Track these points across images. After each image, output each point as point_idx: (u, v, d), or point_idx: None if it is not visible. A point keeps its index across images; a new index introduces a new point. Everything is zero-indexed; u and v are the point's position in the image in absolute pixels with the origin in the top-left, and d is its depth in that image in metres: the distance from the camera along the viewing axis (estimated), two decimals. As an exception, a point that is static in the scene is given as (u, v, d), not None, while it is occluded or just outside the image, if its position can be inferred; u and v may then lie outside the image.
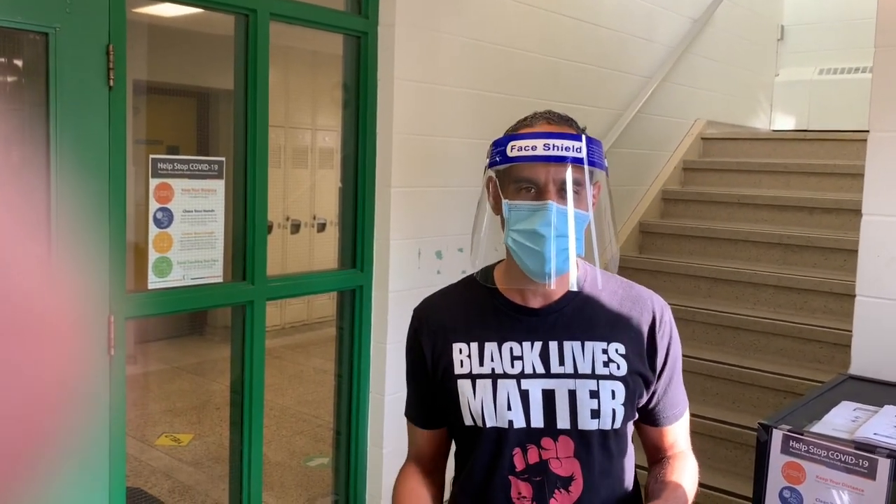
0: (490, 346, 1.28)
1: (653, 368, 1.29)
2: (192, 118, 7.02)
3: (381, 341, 3.01)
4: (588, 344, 1.27)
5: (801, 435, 1.65)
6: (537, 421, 1.25)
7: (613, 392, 1.25)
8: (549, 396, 1.25)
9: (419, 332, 1.37)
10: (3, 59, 2.19)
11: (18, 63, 2.25)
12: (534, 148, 1.18)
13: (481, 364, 1.28)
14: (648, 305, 1.32)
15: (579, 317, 1.29)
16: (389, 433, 3.00)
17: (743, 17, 5.50)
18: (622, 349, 1.27)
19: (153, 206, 2.39)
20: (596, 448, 1.26)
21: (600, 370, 1.25)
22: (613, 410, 1.24)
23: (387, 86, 2.99)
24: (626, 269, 4.21)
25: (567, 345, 1.26)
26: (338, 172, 3.21)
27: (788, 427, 1.69)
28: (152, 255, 2.39)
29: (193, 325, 6.61)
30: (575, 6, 3.84)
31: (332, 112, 6.78)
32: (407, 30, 3.00)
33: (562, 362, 1.26)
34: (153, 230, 2.39)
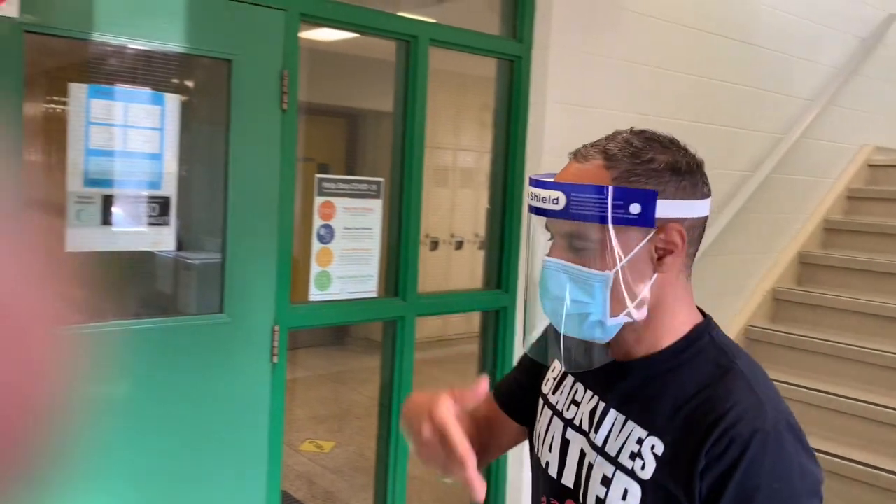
0: (569, 379, 1.15)
1: (689, 493, 0.96)
2: (343, 137, 7.33)
3: (524, 363, 3.00)
4: (629, 424, 1.02)
5: None
6: (568, 479, 1.09)
7: (626, 492, 1.00)
8: (583, 458, 1.08)
9: (548, 329, 1.25)
10: (191, 83, 2.38)
11: (204, 86, 2.43)
12: (531, 196, 1.02)
13: (555, 392, 1.16)
14: (715, 411, 0.95)
15: (642, 388, 1.03)
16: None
17: (919, 35, 5.11)
18: (660, 449, 0.99)
19: (317, 222, 2.51)
20: None
21: (624, 459, 1.01)
22: None
23: (539, 108, 3.00)
24: (784, 303, 4.00)
25: (611, 413, 1.05)
26: (478, 192, 3.25)
27: None
28: (314, 269, 2.50)
29: (336, 335, 6.87)
30: (733, 26, 3.71)
31: (475, 132, 6.88)
32: (561, 53, 3.00)
33: (597, 429, 1.06)
34: (316, 245, 2.51)
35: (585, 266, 0.98)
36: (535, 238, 1.07)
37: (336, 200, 2.54)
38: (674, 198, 0.97)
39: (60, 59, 2.28)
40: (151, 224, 2.16)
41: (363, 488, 3.71)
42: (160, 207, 2.17)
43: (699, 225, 1.02)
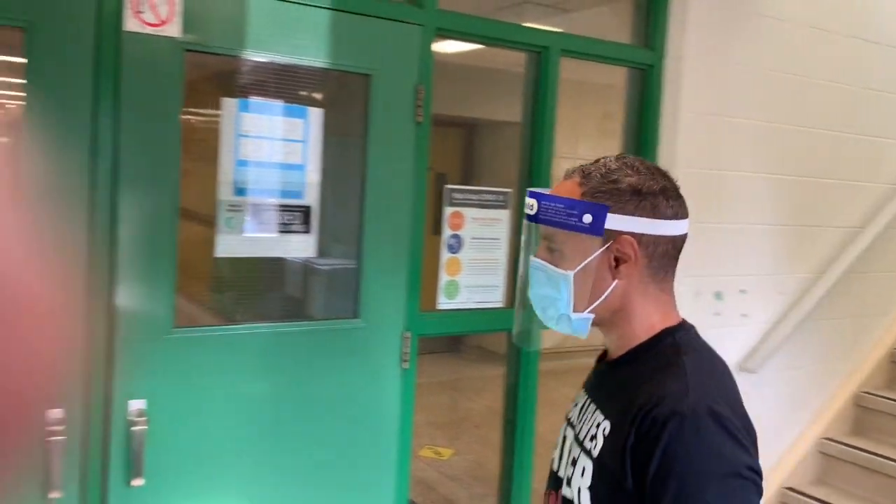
0: (582, 389, 1.31)
1: (622, 468, 1.06)
2: (459, 147, 7.42)
3: (651, 379, 2.92)
4: (597, 412, 1.17)
5: None
6: (562, 469, 1.22)
7: (584, 469, 1.13)
8: (570, 448, 1.21)
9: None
10: (332, 96, 2.47)
11: (343, 100, 2.52)
12: (525, 203, 1.23)
13: (574, 404, 1.30)
14: (646, 396, 1.06)
15: (612, 381, 1.19)
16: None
17: None
18: (608, 429, 1.11)
19: (446, 232, 2.55)
20: None
21: (586, 442, 1.15)
22: (579, 489, 1.13)
23: (671, 118, 2.92)
24: (868, 412, 3.66)
25: (590, 405, 1.20)
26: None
27: None
28: (443, 278, 2.54)
29: (449, 342, 6.94)
30: (880, 30, 3.49)
31: (594, 141, 6.79)
32: (695, 61, 2.92)
33: (580, 420, 1.21)
34: (445, 255, 2.54)
35: (554, 265, 1.16)
36: (525, 239, 1.27)
37: (465, 211, 2.57)
38: (631, 215, 1.12)
39: (214, 76, 2.42)
40: (294, 232, 2.25)
41: (482, 498, 3.72)
42: (302, 216, 2.26)
43: (663, 242, 1.14)
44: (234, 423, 2.15)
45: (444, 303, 2.55)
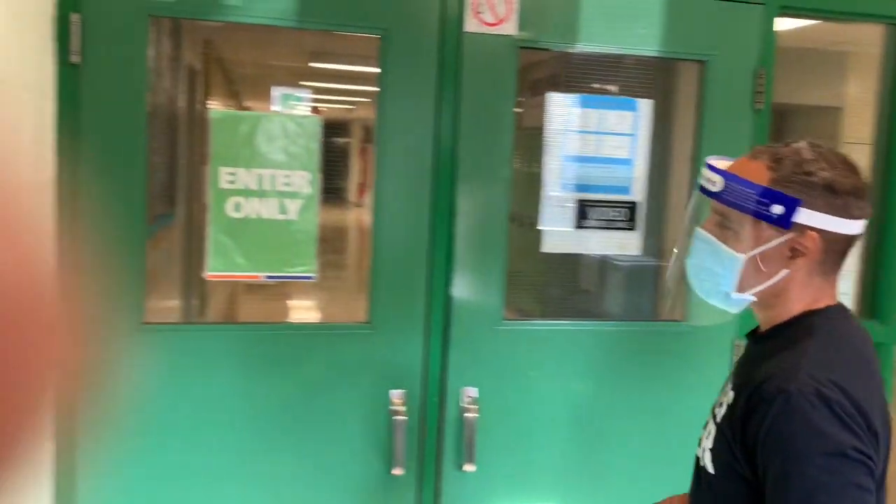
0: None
1: (734, 437, 1.11)
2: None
3: None
4: (729, 383, 1.22)
5: None
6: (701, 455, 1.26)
7: (710, 433, 1.21)
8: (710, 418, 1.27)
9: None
10: (663, 86, 2.36)
11: (673, 89, 2.40)
12: (700, 175, 1.21)
13: None
14: (763, 368, 1.10)
15: (750, 355, 1.23)
16: None
17: None
18: (731, 399, 1.15)
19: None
20: (704, 487, 1.21)
21: (716, 409, 1.22)
22: (705, 450, 1.21)
23: None
24: None
25: (730, 377, 1.24)
26: None
27: None
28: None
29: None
30: None
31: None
32: None
33: (721, 391, 1.25)
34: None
35: (724, 243, 1.16)
36: (695, 209, 1.27)
37: (808, 207, 2.31)
38: (822, 211, 1.09)
39: (543, 70, 2.44)
40: (619, 229, 2.19)
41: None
42: (628, 212, 2.19)
43: (843, 241, 1.13)
44: (556, 417, 2.15)
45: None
